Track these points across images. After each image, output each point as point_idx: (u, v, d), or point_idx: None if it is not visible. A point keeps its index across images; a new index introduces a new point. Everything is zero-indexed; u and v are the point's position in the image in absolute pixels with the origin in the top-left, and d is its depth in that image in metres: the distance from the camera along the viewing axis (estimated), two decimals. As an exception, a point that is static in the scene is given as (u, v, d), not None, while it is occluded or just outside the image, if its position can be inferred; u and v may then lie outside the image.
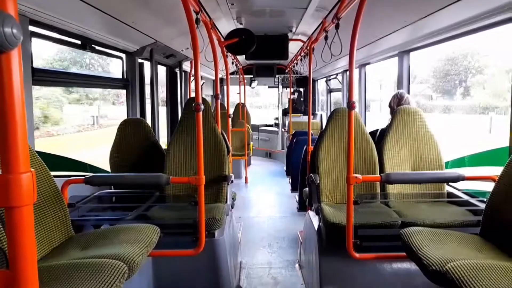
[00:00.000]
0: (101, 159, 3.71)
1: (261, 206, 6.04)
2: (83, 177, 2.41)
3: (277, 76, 9.84)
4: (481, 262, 1.64)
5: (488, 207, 2.13)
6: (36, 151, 2.11)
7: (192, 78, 6.14)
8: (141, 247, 1.89)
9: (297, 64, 7.32)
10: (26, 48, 2.38)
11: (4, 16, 0.75)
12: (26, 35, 2.39)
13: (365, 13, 2.11)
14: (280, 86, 10.66)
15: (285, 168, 8.35)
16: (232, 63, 7.26)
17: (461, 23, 2.79)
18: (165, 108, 5.34)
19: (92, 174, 2.52)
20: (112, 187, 3.09)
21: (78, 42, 3.06)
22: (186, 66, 5.83)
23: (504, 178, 2.04)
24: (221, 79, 9.38)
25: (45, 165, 2.07)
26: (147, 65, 4.16)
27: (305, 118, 9.19)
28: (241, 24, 4.31)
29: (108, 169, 3.35)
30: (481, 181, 2.61)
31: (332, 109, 3.35)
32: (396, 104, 3.29)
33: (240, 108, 8.85)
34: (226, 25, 4.26)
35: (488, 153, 3.43)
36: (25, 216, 0.84)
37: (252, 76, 9.36)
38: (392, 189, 3.00)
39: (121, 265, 1.64)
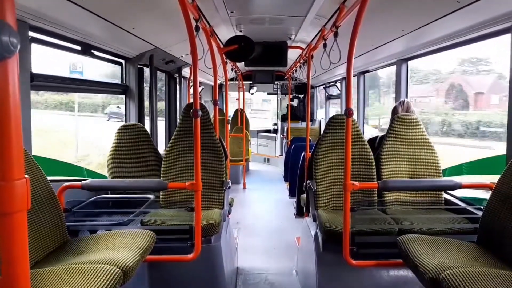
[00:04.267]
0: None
1: (259, 212, 6.02)
2: (80, 182, 2.41)
3: (276, 82, 9.87)
4: (477, 270, 1.64)
5: (485, 215, 2.13)
6: (33, 156, 2.12)
7: (191, 84, 6.17)
8: (136, 253, 1.89)
9: (296, 71, 7.36)
10: (26, 53, 2.39)
11: (1, 25, 0.76)
12: (26, 41, 2.40)
13: (364, 21, 2.13)
14: (279, 93, 10.70)
15: (283, 174, 8.35)
16: (232, 69, 7.30)
17: (458, 33, 2.82)
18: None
19: (89, 179, 2.52)
20: (109, 192, 3.09)
21: (78, 48, 3.08)
22: (186, 72, 5.85)
23: (501, 186, 2.05)
24: (221, 85, 9.41)
25: (41, 169, 2.07)
26: (146, 71, 4.18)
27: (304, 124, 9.22)
28: (240, 31, 4.33)
29: (106, 174, 3.35)
30: (478, 189, 2.61)
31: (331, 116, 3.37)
32: (405, 111, 3.32)
33: (239, 113, 8.87)
34: (225, 32, 4.28)
35: (485, 160, 3.44)
36: (18, 223, 0.84)
37: (251, 82, 9.39)
38: (389, 196, 3.00)
39: (116, 271, 1.64)
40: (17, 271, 0.85)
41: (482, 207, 2.26)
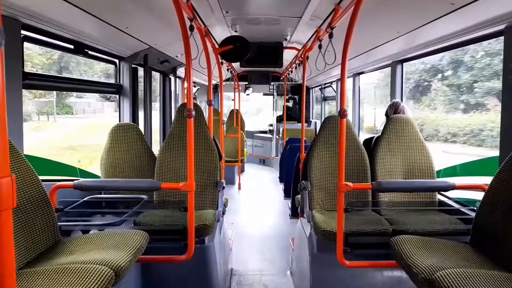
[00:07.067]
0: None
1: (254, 213, 6.02)
2: (72, 182, 2.39)
3: (272, 83, 9.87)
4: (470, 271, 1.64)
5: (477, 216, 2.14)
6: (25, 155, 2.09)
7: (186, 84, 6.15)
8: (129, 253, 1.87)
9: (292, 72, 7.36)
10: (18, 52, 2.36)
11: None
12: (18, 39, 2.38)
13: (359, 23, 2.13)
14: (275, 94, 10.70)
15: (278, 174, 8.35)
16: (228, 70, 7.29)
17: (453, 35, 2.83)
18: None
19: (81, 179, 2.50)
20: (102, 192, 3.07)
21: (71, 47, 3.05)
22: (181, 72, 5.83)
23: (494, 188, 2.06)
24: (216, 86, 9.39)
25: (33, 169, 2.05)
26: (141, 70, 4.16)
27: (300, 125, 9.23)
28: (235, 31, 4.32)
29: (99, 173, 3.32)
30: (471, 190, 2.62)
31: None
32: (393, 113, 3.32)
33: (235, 114, 8.87)
34: (220, 32, 4.27)
35: (479, 162, 3.46)
36: (3, 221, 0.82)
37: (247, 83, 9.39)
38: (383, 197, 3.01)
39: (107, 271, 1.62)
40: (2, 271, 0.83)
41: (475, 208, 2.27)
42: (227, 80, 8.60)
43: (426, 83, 6.15)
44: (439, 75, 5.84)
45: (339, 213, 2.27)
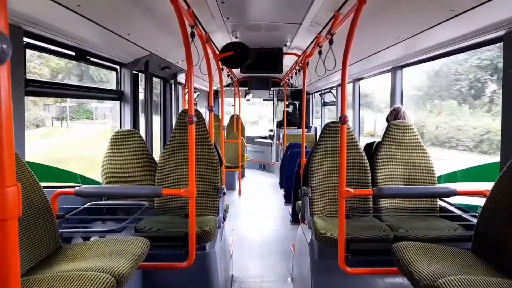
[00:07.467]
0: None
1: (254, 219, 6.00)
2: (73, 189, 2.39)
3: (272, 89, 9.90)
4: (472, 278, 1.63)
5: (479, 222, 2.13)
6: (26, 162, 2.09)
7: (187, 90, 6.17)
8: (130, 260, 1.87)
9: (292, 77, 7.39)
10: (20, 59, 2.37)
11: None
12: (20, 46, 2.39)
13: (359, 29, 2.14)
14: (275, 99, 10.72)
15: (279, 180, 8.34)
16: (228, 75, 7.31)
17: (452, 41, 2.85)
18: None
19: (82, 185, 2.50)
20: (103, 198, 3.06)
21: (73, 53, 3.07)
22: (182, 78, 5.85)
23: (495, 193, 2.05)
24: (216, 92, 9.42)
25: (34, 176, 2.05)
26: (142, 77, 4.17)
27: (300, 130, 9.24)
28: (236, 37, 4.34)
29: (100, 180, 3.32)
30: (472, 196, 2.62)
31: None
32: (393, 118, 3.33)
33: (235, 120, 8.88)
34: (221, 39, 4.29)
35: (480, 168, 3.45)
36: (9, 230, 0.83)
37: (247, 88, 9.41)
38: (384, 202, 3.00)
39: (109, 278, 1.62)
40: (8, 279, 0.84)
41: (477, 214, 2.26)
42: (228, 85, 8.62)
43: (480, 84, 5.56)
44: (496, 76, 5.05)
45: (340, 219, 2.27)
